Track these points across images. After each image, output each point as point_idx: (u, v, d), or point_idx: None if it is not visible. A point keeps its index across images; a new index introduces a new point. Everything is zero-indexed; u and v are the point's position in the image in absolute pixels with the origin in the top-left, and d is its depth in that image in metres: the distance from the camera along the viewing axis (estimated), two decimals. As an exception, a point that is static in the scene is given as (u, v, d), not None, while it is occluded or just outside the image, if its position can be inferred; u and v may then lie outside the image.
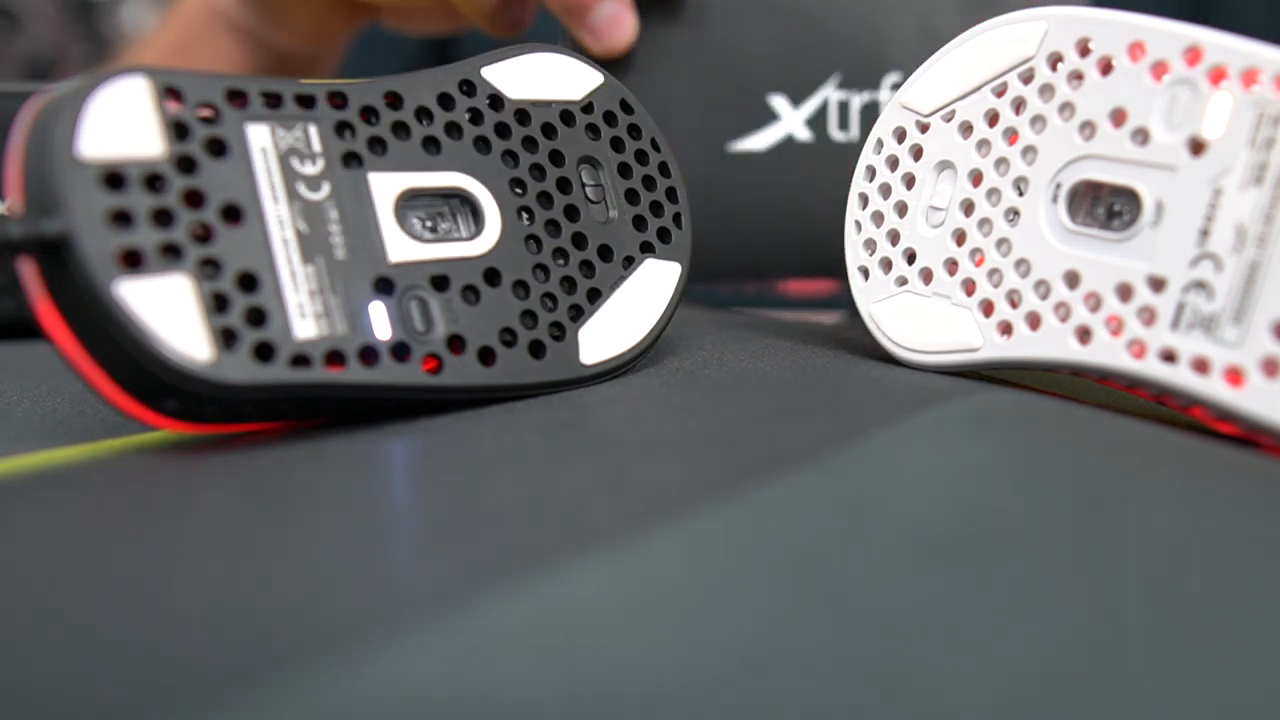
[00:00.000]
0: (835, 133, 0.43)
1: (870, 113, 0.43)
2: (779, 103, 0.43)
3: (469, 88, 0.28)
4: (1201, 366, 0.25)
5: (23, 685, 0.14)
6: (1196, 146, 0.25)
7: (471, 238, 0.27)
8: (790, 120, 0.43)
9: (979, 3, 0.42)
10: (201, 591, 0.17)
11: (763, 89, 0.43)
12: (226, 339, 0.22)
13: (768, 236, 0.44)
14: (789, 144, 0.43)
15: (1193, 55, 0.25)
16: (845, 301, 0.34)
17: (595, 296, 0.29)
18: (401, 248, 0.26)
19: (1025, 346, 0.28)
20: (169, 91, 0.23)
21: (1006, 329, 0.28)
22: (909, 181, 0.30)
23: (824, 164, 0.43)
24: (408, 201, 0.26)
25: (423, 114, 0.27)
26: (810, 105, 0.43)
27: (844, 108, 0.43)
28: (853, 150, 0.42)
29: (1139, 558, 0.19)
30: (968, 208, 0.29)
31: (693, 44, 0.42)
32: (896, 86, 0.43)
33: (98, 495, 0.22)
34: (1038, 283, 0.28)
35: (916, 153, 0.30)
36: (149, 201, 0.22)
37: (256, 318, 0.23)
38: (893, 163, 0.31)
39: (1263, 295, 0.24)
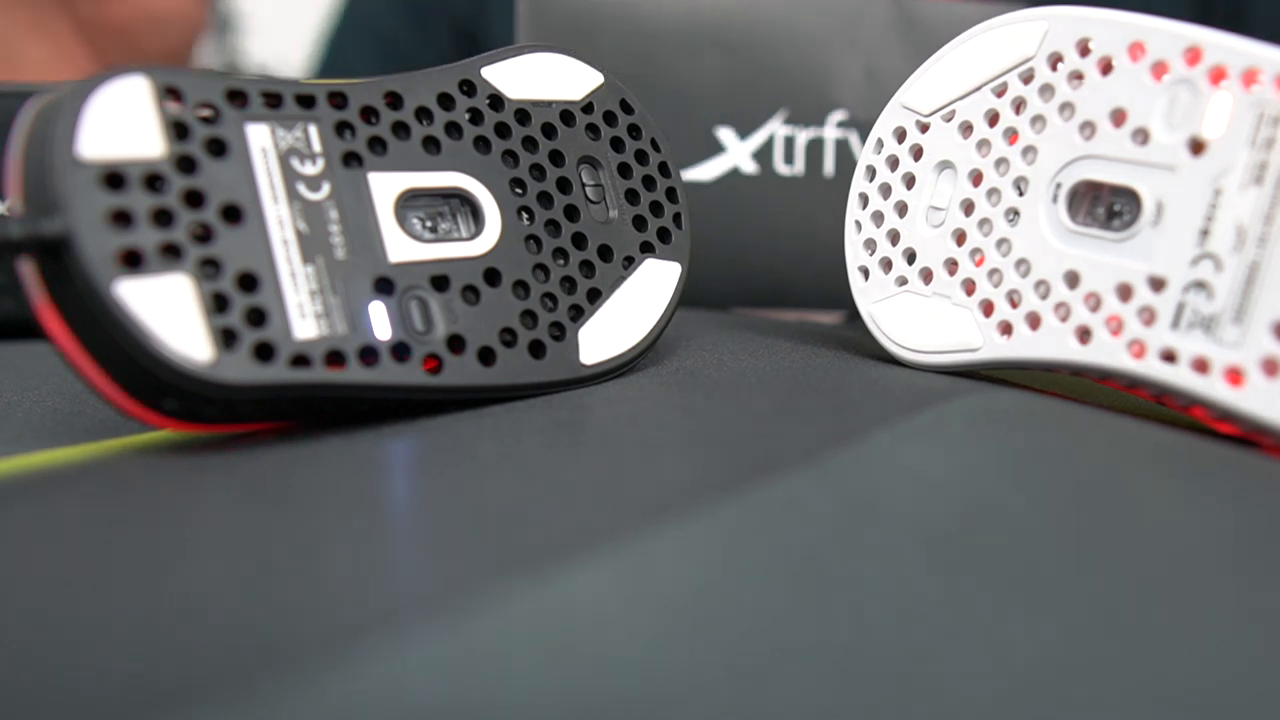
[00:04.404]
0: (780, 166, 0.44)
1: (815, 148, 0.44)
2: (726, 135, 0.44)
3: (469, 88, 0.28)
4: (1201, 366, 0.25)
5: (23, 685, 0.14)
6: (1196, 146, 0.25)
7: (471, 238, 0.27)
8: (736, 153, 0.44)
9: (925, 48, 0.43)
10: (201, 592, 0.17)
11: (710, 121, 0.44)
12: (226, 339, 0.22)
13: (712, 266, 0.44)
14: (735, 176, 0.44)
15: (1193, 55, 0.25)
16: (845, 302, 0.34)
17: (595, 296, 0.29)
18: (401, 248, 0.26)
19: (1025, 346, 0.28)
20: (169, 91, 0.23)
21: (1006, 329, 0.28)
22: (909, 181, 0.30)
23: (768, 196, 0.44)
24: (408, 201, 0.26)
25: (423, 114, 0.27)
26: (756, 139, 0.44)
27: (789, 143, 0.44)
28: (797, 184, 0.44)
29: (1139, 558, 0.19)
30: (968, 207, 0.29)
31: (642, 75, 0.43)
32: (842, 124, 0.44)
33: (98, 495, 0.22)
34: (1038, 283, 0.28)
35: (916, 153, 0.30)
36: (149, 201, 0.22)
37: (256, 318, 0.23)
38: (893, 162, 0.31)
39: (1263, 295, 0.24)
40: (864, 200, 0.31)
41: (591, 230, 0.29)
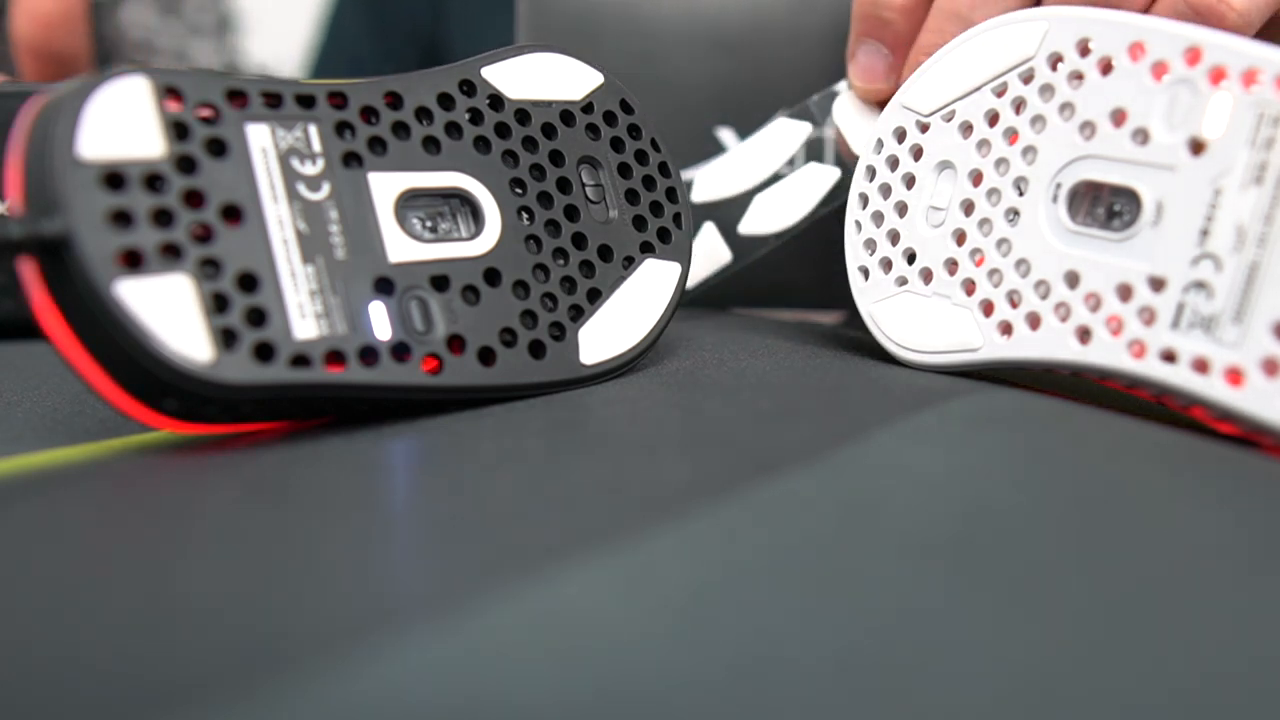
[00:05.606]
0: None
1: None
2: (725, 135, 0.43)
3: (469, 88, 0.28)
4: (1201, 366, 0.25)
5: (23, 685, 0.14)
6: (1196, 146, 0.25)
7: (471, 238, 0.27)
8: None
9: None
10: (201, 592, 0.17)
11: (710, 121, 0.43)
12: (226, 339, 0.22)
13: None
14: None
15: (1193, 55, 0.25)
16: (845, 302, 0.34)
17: (595, 296, 0.29)
18: (401, 248, 0.26)
19: (1025, 346, 0.28)
20: (169, 91, 0.23)
21: (1006, 329, 0.28)
22: (909, 181, 0.30)
23: None
24: (408, 201, 0.26)
25: (423, 114, 0.27)
26: None
27: None
28: None
29: (1139, 558, 0.19)
30: (968, 208, 0.29)
31: (642, 75, 0.42)
32: None
33: (98, 495, 0.22)
34: (1038, 283, 0.28)
35: (916, 153, 0.30)
36: (149, 201, 0.22)
37: (256, 318, 0.23)
38: (893, 163, 0.31)
39: (1263, 295, 0.24)
40: (864, 200, 0.31)
41: (591, 230, 0.29)
